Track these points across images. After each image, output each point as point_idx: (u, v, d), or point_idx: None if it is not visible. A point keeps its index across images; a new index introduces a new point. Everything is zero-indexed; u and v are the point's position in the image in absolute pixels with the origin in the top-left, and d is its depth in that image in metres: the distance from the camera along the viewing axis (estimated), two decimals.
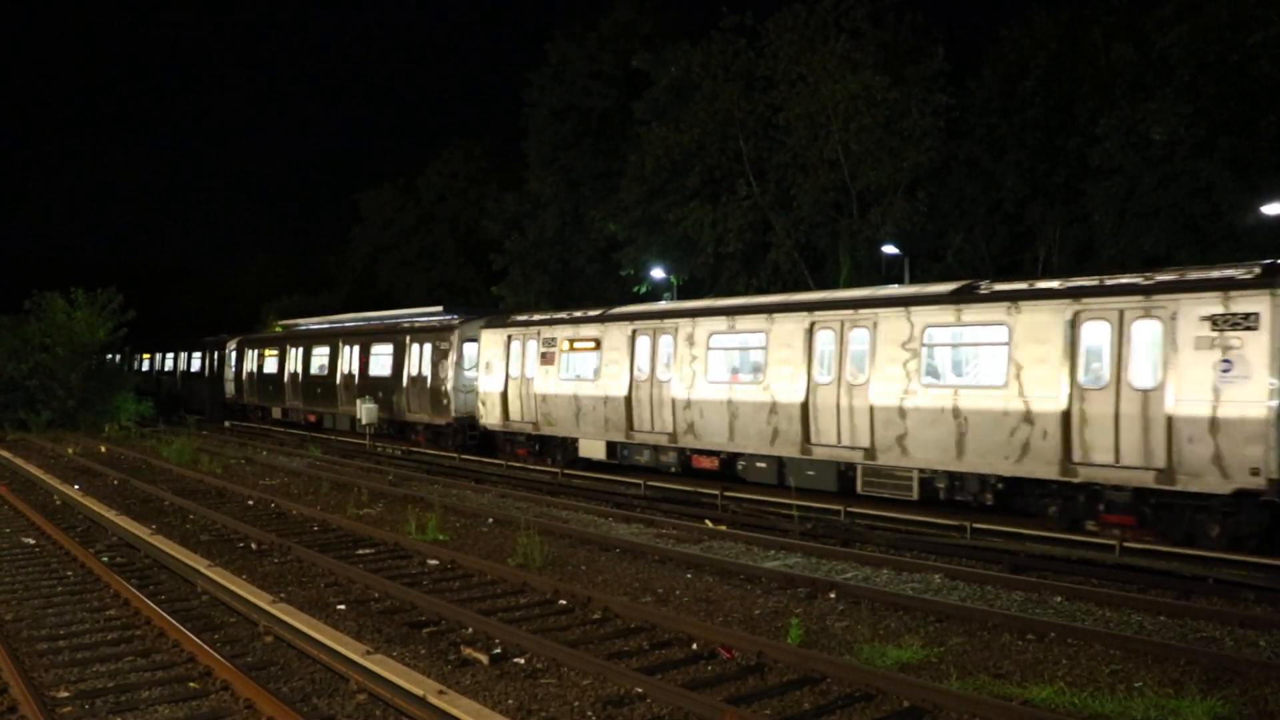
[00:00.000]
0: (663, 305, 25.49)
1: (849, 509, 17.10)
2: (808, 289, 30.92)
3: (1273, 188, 24.26)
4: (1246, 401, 12.87)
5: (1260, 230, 24.78)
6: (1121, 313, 14.21)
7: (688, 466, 20.80)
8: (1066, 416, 14.53)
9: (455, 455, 27.75)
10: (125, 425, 38.85)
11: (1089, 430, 14.32)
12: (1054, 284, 15.38)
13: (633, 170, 37.84)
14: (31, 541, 15.72)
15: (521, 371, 24.88)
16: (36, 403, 39.36)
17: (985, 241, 32.92)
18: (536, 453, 25.06)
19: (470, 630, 10.37)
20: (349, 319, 40.65)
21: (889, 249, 31.99)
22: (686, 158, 36.20)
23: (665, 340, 21.20)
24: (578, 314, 24.57)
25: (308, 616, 10.30)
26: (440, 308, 34.19)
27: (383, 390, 31.39)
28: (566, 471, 23.17)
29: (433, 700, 7.67)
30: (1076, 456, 14.43)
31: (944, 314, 16.39)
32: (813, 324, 18.21)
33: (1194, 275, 14.01)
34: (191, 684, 8.77)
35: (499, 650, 9.59)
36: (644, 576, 13.10)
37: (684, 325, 20.75)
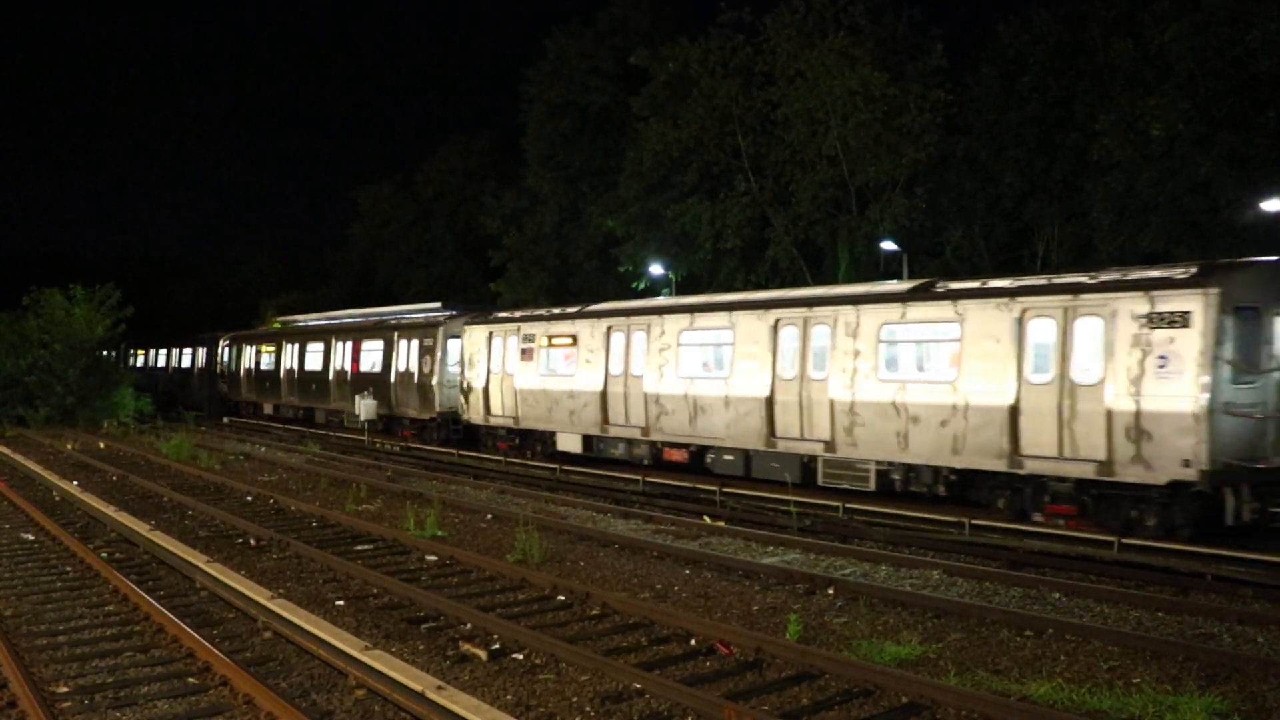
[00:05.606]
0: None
1: (848, 505, 17.09)
2: (806, 285, 30.88)
3: (1271, 183, 24.23)
4: None
5: (1259, 226, 24.76)
6: None
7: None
8: None
9: (454, 451, 27.82)
10: (124, 421, 38.84)
11: None
12: None
13: (631, 166, 37.79)
14: (31, 537, 15.73)
15: (503, 367, 25.31)
16: (35, 399, 39.38)
17: (984, 238, 32.89)
18: (516, 446, 25.56)
19: (469, 626, 10.38)
20: (342, 315, 41.44)
21: (888, 245, 31.97)
22: (685, 154, 36.13)
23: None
24: (555, 310, 25.02)
25: (306, 612, 10.31)
26: (438, 304, 34.41)
27: (373, 385, 32.21)
28: (565, 468, 23.18)
29: (431, 695, 7.67)
30: None
31: None
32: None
33: None
34: (190, 679, 8.78)
35: (498, 646, 9.60)
36: (642, 572, 13.11)
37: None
